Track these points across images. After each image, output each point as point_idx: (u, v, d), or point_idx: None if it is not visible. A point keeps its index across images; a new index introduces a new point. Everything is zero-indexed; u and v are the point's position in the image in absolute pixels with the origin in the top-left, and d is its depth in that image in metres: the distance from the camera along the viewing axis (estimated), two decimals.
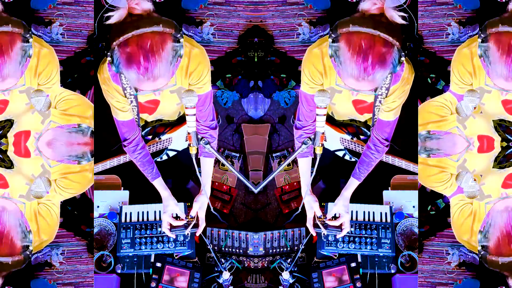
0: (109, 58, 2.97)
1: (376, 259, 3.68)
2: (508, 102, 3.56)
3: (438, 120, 3.62)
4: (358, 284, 3.61)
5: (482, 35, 3.36)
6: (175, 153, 3.97)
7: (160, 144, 3.80)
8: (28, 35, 3.42)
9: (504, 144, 3.59)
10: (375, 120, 3.45)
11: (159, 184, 3.62)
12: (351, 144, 3.77)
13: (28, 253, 3.60)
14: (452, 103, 3.58)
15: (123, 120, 3.40)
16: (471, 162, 3.62)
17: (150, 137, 3.74)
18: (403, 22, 2.99)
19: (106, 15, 3.01)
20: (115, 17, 2.99)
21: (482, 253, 3.60)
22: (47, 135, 3.59)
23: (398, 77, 3.20)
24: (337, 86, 3.25)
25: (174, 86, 3.30)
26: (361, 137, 3.71)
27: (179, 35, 3.01)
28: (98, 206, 3.78)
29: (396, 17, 2.98)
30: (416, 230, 3.73)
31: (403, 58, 2.96)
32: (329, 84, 3.28)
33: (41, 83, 3.54)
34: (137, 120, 3.46)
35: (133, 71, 2.92)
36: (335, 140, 3.84)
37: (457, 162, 3.63)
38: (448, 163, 3.66)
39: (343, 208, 3.59)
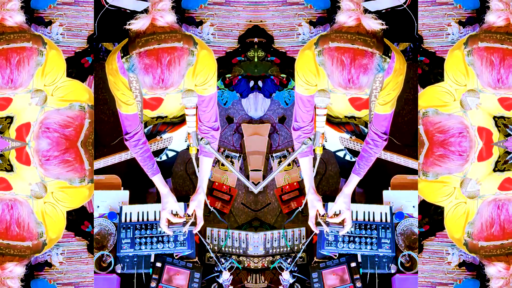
0: (123, 60, 3.07)
1: (376, 259, 3.68)
2: (505, 99, 3.57)
3: (440, 105, 3.62)
4: (358, 284, 3.61)
5: (467, 48, 3.46)
6: (174, 153, 3.98)
7: (161, 143, 3.80)
8: (43, 48, 3.49)
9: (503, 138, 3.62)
10: (372, 115, 3.46)
11: (158, 180, 3.62)
12: (350, 143, 3.78)
13: (44, 239, 3.63)
14: (456, 91, 3.59)
15: (126, 113, 3.42)
16: (472, 172, 3.63)
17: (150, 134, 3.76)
18: (381, 27, 3.07)
19: (129, 22, 3.11)
20: (138, 25, 3.07)
21: (467, 239, 3.63)
22: (41, 117, 3.60)
23: (390, 69, 3.22)
24: (331, 92, 3.28)
25: (181, 92, 3.32)
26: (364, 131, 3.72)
27: (194, 48, 3.12)
28: (98, 206, 3.78)
29: (374, 25, 3.05)
30: (416, 230, 3.73)
31: (388, 59, 3.06)
32: (323, 85, 3.29)
33: (46, 84, 3.56)
34: (140, 115, 3.47)
35: (148, 79, 3.04)
36: (335, 140, 3.84)
37: (461, 174, 3.65)
38: (450, 177, 3.66)
39: (344, 205, 3.59)
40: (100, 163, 3.78)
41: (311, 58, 3.22)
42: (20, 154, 3.60)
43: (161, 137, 3.77)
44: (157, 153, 3.85)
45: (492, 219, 3.59)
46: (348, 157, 3.95)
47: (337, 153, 4.01)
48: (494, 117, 3.59)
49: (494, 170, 3.63)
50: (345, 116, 3.66)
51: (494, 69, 3.37)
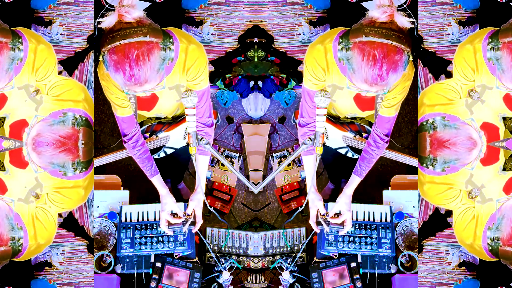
0: (100, 59, 3.05)
1: (376, 259, 3.68)
2: (510, 97, 3.56)
3: (446, 103, 3.61)
4: (358, 284, 3.61)
5: (493, 43, 3.42)
6: (172, 150, 3.98)
7: (157, 142, 3.80)
8: (18, 42, 3.43)
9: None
10: (376, 117, 3.46)
11: (157, 181, 3.62)
12: (354, 142, 3.78)
13: (18, 245, 3.60)
14: (462, 88, 3.58)
15: (122, 116, 3.42)
16: (477, 176, 3.62)
17: (147, 134, 3.74)
18: (412, 25, 3.05)
19: (98, 20, 3.06)
20: (106, 22, 3.05)
21: (492, 244, 3.61)
22: (34, 131, 3.58)
23: None
24: (348, 88, 3.25)
25: (163, 88, 3.31)
26: (364, 135, 3.71)
27: (168, 43, 3.06)
28: (98, 206, 3.78)
29: (406, 22, 3.03)
30: (416, 230, 3.73)
31: (411, 58, 3.03)
32: (331, 81, 3.29)
33: (38, 80, 3.54)
34: (136, 116, 3.47)
35: (119, 76, 2.99)
36: (338, 138, 3.84)
37: (467, 174, 3.63)
38: (455, 179, 3.65)
39: (345, 205, 3.59)
40: (102, 160, 3.78)
41: (322, 52, 3.21)
42: (14, 157, 3.59)
43: (157, 136, 3.77)
44: (154, 151, 3.85)
45: None
46: (350, 154, 3.95)
47: (338, 150, 4.02)
48: (504, 118, 3.59)
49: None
50: (345, 117, 3.66)
51: None
